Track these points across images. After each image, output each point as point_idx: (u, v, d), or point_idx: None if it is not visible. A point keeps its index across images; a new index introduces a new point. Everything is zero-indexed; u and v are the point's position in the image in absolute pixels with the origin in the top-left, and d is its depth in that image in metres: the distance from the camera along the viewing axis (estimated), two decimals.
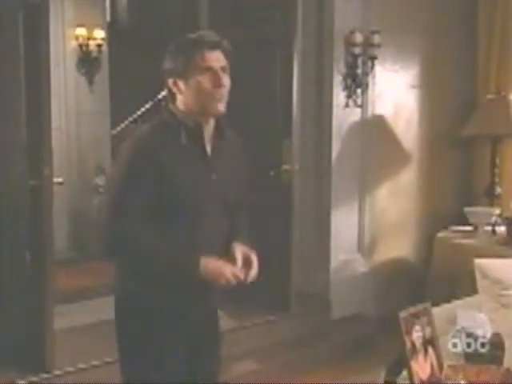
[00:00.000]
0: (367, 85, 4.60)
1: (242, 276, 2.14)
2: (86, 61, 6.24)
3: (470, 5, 5.20)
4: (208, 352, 2.34)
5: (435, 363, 2.30)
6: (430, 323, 2.32)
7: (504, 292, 3.23)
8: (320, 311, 4.61)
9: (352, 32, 4.42)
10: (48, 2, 3.39)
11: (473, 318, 2.42)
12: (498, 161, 5.00)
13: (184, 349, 2.25)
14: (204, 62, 2.10)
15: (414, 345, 2.22)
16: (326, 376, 3.98)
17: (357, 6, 4.55)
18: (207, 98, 2.11)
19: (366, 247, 4.87)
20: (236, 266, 2.15)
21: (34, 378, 3.41)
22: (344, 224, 4.72)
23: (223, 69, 2.13)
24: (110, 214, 2.13)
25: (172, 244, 2.11)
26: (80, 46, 6.19)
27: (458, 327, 2.42)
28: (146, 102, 6.91)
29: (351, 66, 4.51)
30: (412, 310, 2.26)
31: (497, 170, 5.00)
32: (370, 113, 4.74)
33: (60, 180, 3.60)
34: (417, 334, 2.23)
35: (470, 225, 4.82)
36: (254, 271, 2.19)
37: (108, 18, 7.05)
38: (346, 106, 4.56)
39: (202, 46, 2.11)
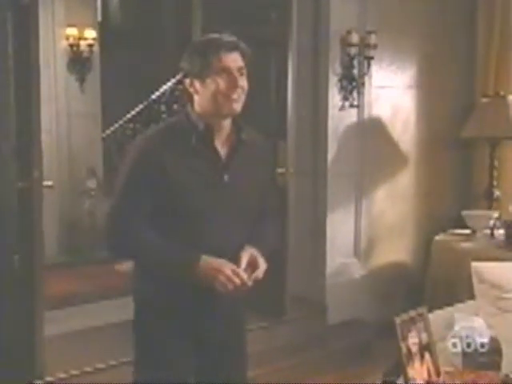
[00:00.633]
0: (364, 85, 4.56)
1: (244, 276, 2.11)
2: (77, 61, 6.17)
3: (468, 5, 5.16)
4: (229, 355, 2.37)
5: (432, 369, 2.26)
6: (427, 329, 2.28)
7: (502, 296, 3.19)
8: (316, 316, 4.56)
9: (348, 32, 4.40)
10: (37, 1, 3.33)
11: (470, 324, 2.40)
12: (496, 163, 4.96)
13: (201, 351, 2.28)
14: (220, 63, 2.13)
15: (410, 350, 2.18)
16: (323, 382, 3.93)
17: (353, 6, 4.52)
18: (223, 98, 2.14)
19: (362, 251, 4.81)
20: (239, 266, 2.12)
21: None
22: (340, 227, 4.67)
23: (240, 70, 2.17)
24: (112, 213, 2.18)
25: (173, 243, 2.12)
26: (71, 46, 6.12)
27: (457, 329, 2.41)
28: (139, 103, 6.88)
29: (347, 67, 4.49)
30: (408, 315, 2.22)
31: (495, 173, 4.96)
32: (366, 114, 4.69)
33: (50, 183, 3.56)
34: (413, 340, 2.20)
35: (468, 228, 4.77)
36: (259, 273, 2.17)
37: (99, 18, 7.04)
38: (342, 107, 4.52)
39: (219, 47, 2.14)
